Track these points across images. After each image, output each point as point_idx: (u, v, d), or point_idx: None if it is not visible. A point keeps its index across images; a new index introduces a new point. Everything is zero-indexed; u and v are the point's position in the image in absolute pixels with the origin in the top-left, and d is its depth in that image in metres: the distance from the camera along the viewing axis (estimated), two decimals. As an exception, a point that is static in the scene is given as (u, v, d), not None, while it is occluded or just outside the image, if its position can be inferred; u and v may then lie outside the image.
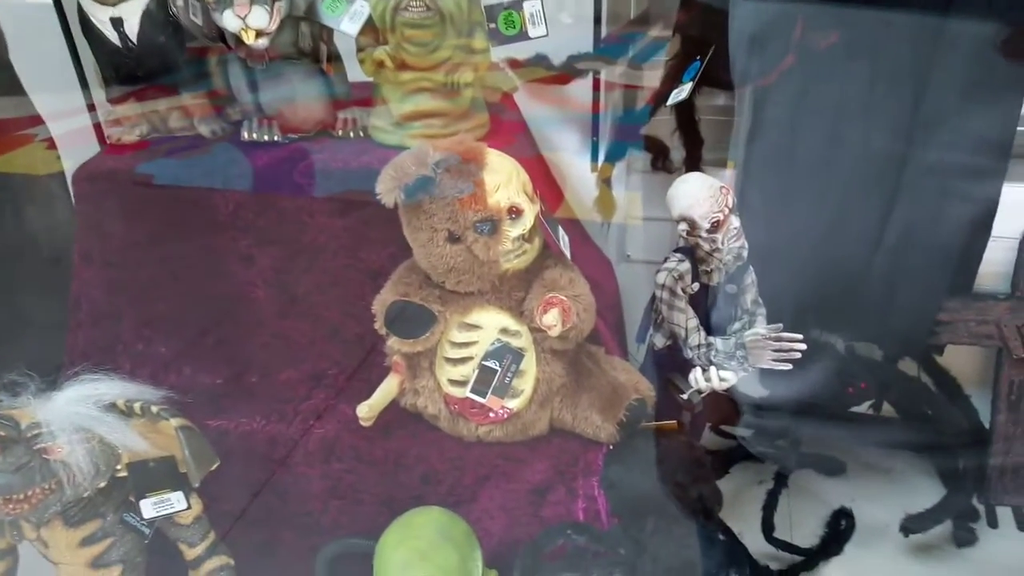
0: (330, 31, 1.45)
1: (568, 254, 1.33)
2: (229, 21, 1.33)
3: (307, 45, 1.44)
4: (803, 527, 1.59)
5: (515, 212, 1.18)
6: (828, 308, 1.52)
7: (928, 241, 1.46)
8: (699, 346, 1.33)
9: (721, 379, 1.31)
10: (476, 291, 1.23)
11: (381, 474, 1.32)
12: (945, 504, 1.59)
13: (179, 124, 1.52)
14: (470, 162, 1.17)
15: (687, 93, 1.38)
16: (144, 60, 1.43)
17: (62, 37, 1.55)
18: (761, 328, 1.30)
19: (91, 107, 1.60)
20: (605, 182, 1.71)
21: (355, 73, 1.48)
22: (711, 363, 1.32)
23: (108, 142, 1.54)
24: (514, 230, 1.18)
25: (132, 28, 1.39)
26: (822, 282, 1.48)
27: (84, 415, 1.08)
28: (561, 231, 1.37)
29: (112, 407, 1.12)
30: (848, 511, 1.55)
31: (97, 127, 1.60)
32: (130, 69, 1.44)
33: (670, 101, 1.43)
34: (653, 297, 1.37)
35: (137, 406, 1.14)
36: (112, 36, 1.39)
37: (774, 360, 1.27)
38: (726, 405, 1.53)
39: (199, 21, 1.40)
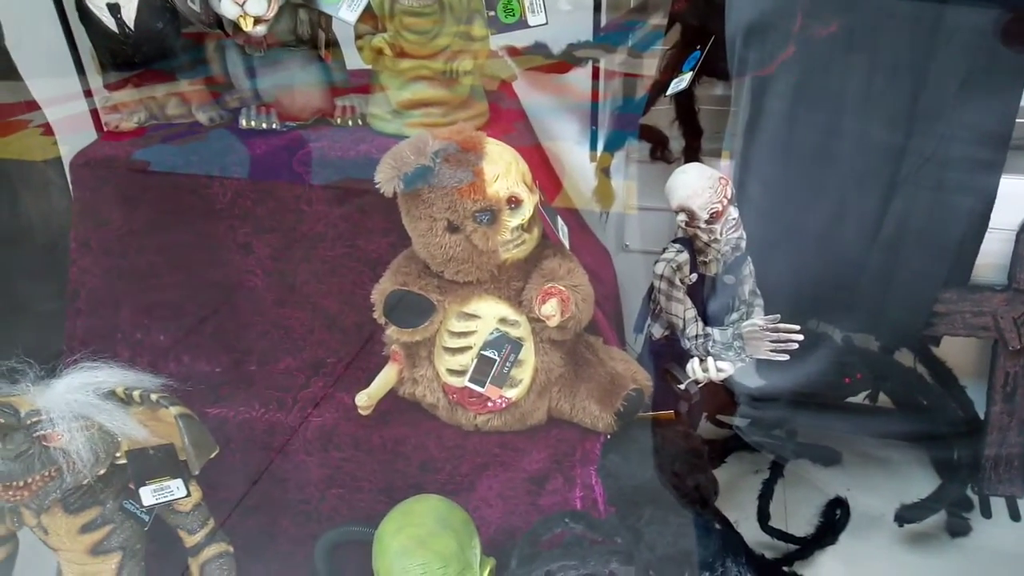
0: (329, 18, 1.44)
1: (567, 244, 1.33)
2: (227, 8, 1.33)
3: (305, 32, 1.43)
4: (799, 516, 1.60)
5: (514, 202, 1.18)
6: (825, 299, 1.53)
7: (926, 232, 1.47)
8: (697, 336, 1.34)
9: (718, 369, 1.31)
10: (475, 281, 1.23)
11: (380, 462, 1.32)
12: (940, 494, 1.60)
13: (177, 111, 1.52)
14: (469, 151, 1.17)
15: (687, 83, 1.38)
16: (141, 47, 1.42)
17: (59, 23, 1.54)
18: (758, 319, 1.30)
19: (88, 93, 1.59)
20: (604, 172, 1.71)
21: (353, 61, 1.48)
22: (708, 353, 1.33)
23: (105, 129, 1.53)
24: (513, 220, 1.18)
25: (130, 14, 1.38)
26: (820, 273, 1.49)
27: (83, 403, 1.09)
28: (560, 221, 1.37)
29: (111, 395, 1.12)
30: (843, 501, 1.56)
31: (94, 113, 1.59)
32: (127, 56, 1.43)
33: (670, 91, 1.42)
34: (651, 287, 1.37)
35: (136, 394, 1.14)
36: (109, 22, 1.38)
37: (771, 351, 1.27)
38: (723, 395, 1.53)
39: (197, 8, 1.40)
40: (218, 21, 1.41)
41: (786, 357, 1.27)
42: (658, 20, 1.55)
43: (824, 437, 1.74)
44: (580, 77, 1.64)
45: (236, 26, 1.38)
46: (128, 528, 1.18)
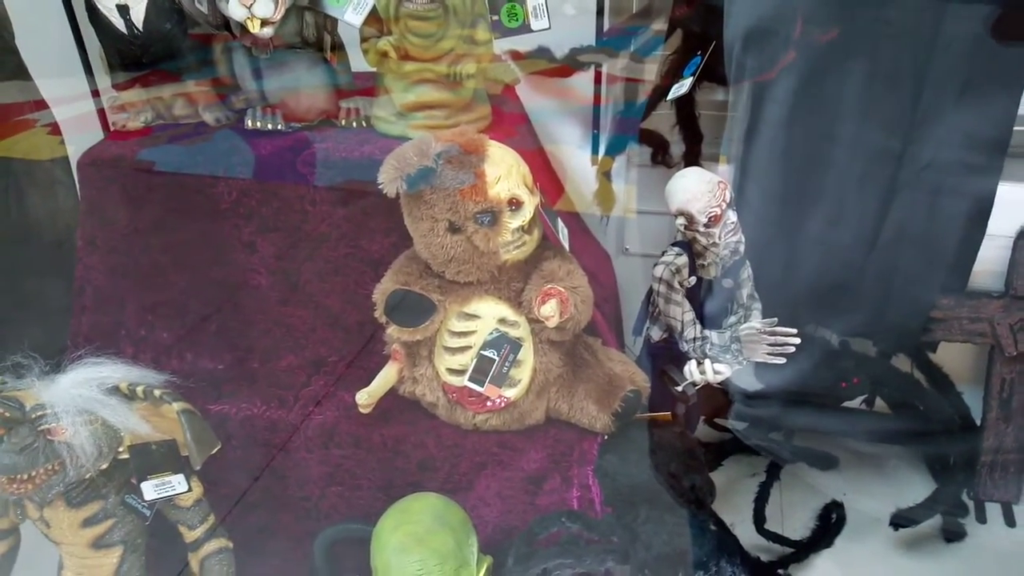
0: (334, 21, 1.45)
1: (567, 246, 1.35)
2: (235, 10, 1.34)
3: (311, 35, 1.44)
4: (795, 519, 1.61)
5: (515, 204, 1.19)
6: (823, 303, 1.54)
7: (923, 238, 1.48)
8: (695, 339, 1.35)
9: (716, 372, 1.33)
10: (475, 281, 1.25)
11: (379, 460, 1.33)
12: (935, 498, 1.61)
13: (183, 112, 1.53)
14: (471, 153, 1.18)
15: (687, 88, 1.39)
16: (149, 47, 1.44)
17: (67, 23, 1.56)
18: (756, 322, 1.31)
19: (95, 93, 1.61)
20: (605, 175, 1.72)
21: (358, 63, 1.49)
22: (706, 356, 1.34)
23: (112, 128, 1.55)
24: (514, 221, 1.20)
25: (138, 15, 1.40)
26: (818, 277, 1.50)
27: (87, 397, 1.10)
28: (560, 223, 1.39)
29: (115, 390, 1.14)
30: (839, 504, 1.57)
31: (101, 113, 1.61)
32: (135, 56, 1.45)
33: (670, 96, 1.44)
34: (650, 290, 1.38)
35: (140, 389, 1.15)
36: (118, 23, 1.40)
37: (768, 354, 1.29)
38: (721, 398, 1.54)
39: (204, 9, 1.41)
40: (225, 23, 1.43)
41: (783, 360, 1.28)
42: (660, 25, 1.57)
43: (821, 441, 1.74)
44: (582, 81, 1.65)
45: (243, 28, 1.39)
46: (129, 522, 1.19)
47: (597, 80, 1.64)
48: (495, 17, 1.41)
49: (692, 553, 1.17)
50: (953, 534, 1.61)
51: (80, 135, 1.61)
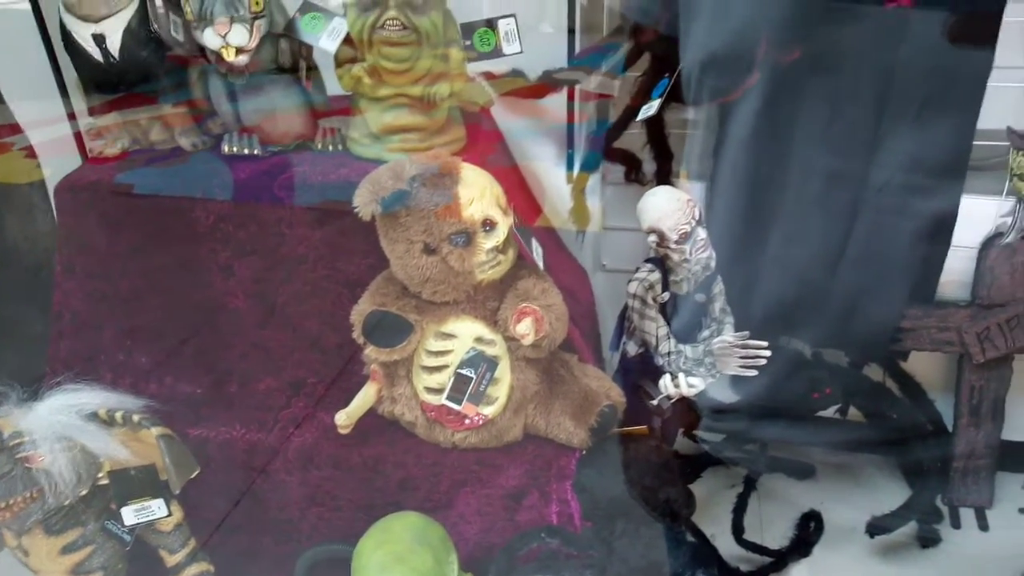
0: (309, 47, 1.47)
1: (541, 265, 1.37)
2: (210, 39, 1.36)
3: (287, 61, 1.46)
4: (773, 529, 1.62)
5: (489, 224, 1.22)
6: (795, 316, 1.56)
7: (889, 252, 1.51)
8: (669, 353, 1.37)
9: (689, 385, 1.35)
10: (452, 301, 1.27)
11: (359, 481, 1.34)
12: (910, 505, 1.63)
13: (160, 137, 1.54)
14: (445, 176, 1.20)
15: (655, 110, 1.42)
16: (126, 75, 1.45)
17: (43, 46, 1.57)
18: (728, 336, 1.34)
19: (72, 116, 1.61)
20: (580, 192, 1.75)
21: (335, 86, 1.51)
22: (680, 369, 1.36)
23: (90, 155, 1.56)
24: (488, 242, 1.22)
25: (114, 44, 1.41)
26: (789, 291, 1.52)
27: (66, 424, 1.11)
28: (535, 242, 1.41)
29: (94, 416, 1.14)
30: (817, 513, 1.58)
31: (78, 136, 1.61)
32: (112, 84, 1.46)
33: (639, 117, 1.47)
34: (625, 306, 1.40)
35: (118, 415, 1.16)
36: (94, 52, 1.41)
37: (740, 366, 1.31)
38: (700, 410, 1.56)
39: (181, 38, 1.42)
40: (201, 50, 1.44)
41: (755, 373, 1.30)
42: (629, 46, 1.60)
43: (797, 451, 1.77)
44: (557, 100, 1.68)
45: (218, 55, 1.40)
46: (109, 549, 1.19)
47: (570, 97, 1.67)
48: (468, 42, 1.43)
49: (669, 565, 1.18)
50: (928, 540, 1.63)
51: (57, 158, 1.61)
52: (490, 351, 1.28)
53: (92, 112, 1.54)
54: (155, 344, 1.50)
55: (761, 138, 1.42)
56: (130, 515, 1.17)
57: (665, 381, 1.37)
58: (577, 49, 1.63)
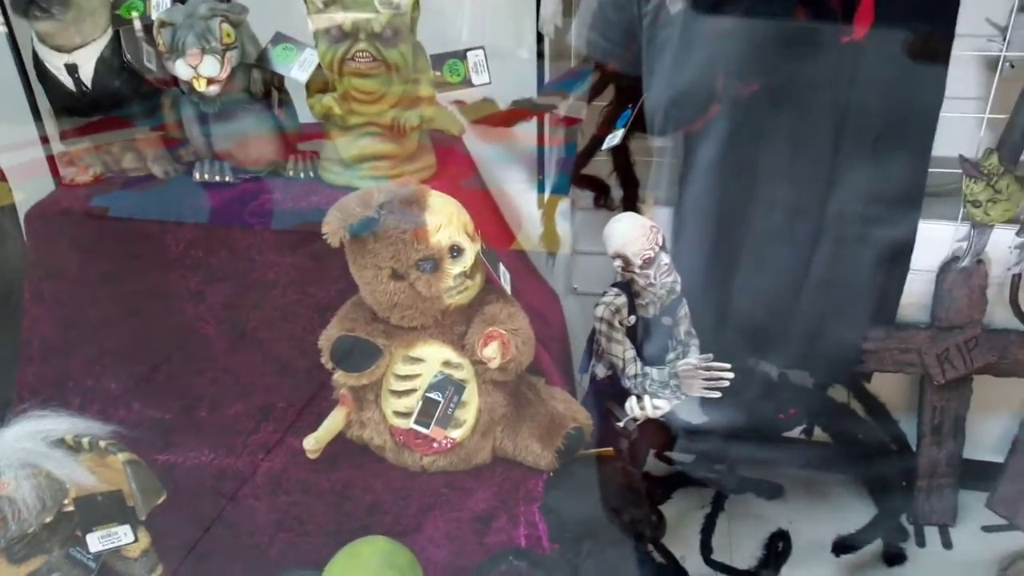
0: (281, 77, 1.49)
1: (509, 290, 1.39)
2: (181, 70, 1.38)
3: (259, 90, 1.48)
4: (742, 549, 1.65)
5: (456, 250, 1.24)
6: (759, 338, 1.60)
7: (851, 276, 1.55)
8: (636, 375, 1.39)
9: (655, 407, 1.37)
10: (419, 326, 1.28)
11: (328, 505, 1.34)
12: (875, 524, 1.66)
13: (132, 164, 1.54)
14: (413, 203, 1.23)
15: (619, 139, 1.46)
16: (99, 105, 1.46)
17: (15, 69, 1.58)
18: (693, 358, 1.36)
19: (45, 140, 1.62)
20: (551, 216, 1.78)
21: (306, 113, 1.53)
22: (647, 391, 1.38)
23: (62, 182, 1.56)
24: (455, 267, 1.24)
25: (87, 74, 1.42)
26: (751, 315, 1.56)
27: (31, 451, 1.10)
28: (502, 267, 1.43)
29: (60, 442, 1.14)
30: (785, 533, 1.61)
31: (50, 159, 1.61)
32: (84, 113, 1.47)
33: (604, 146, 1.51)
34: (593, 329, 1.43)
35: (85, 441, 1.16)
36: (67, 81, 1.42)
37: (705, 388, 1.33)
38: (670, 432, 1.59)
39: (153, 67, 1.44)
40: (174, 80, 1.46)
41: (719, 395, 1.33)
42: (597, 77, 1.64)
43: (764, 471, 1.79)
44: (526, 125, 1.71)
45: (190, 85, 1.42)
46: (74, 576, 1.18)
47: (540, 121, 1.70)
48: (437, 73, 1.46)
49: (634, 586, 1.20)
50: (894, 558, 1.66)
51: (28, 182, 1.61)
52: (457, 375, 1.30)
53: (64, 137, 1.54)
54: (124, 370, 1.50)
55: (724, 167, 1.46)
56: (95, 542, 1.17)
57: (631, 403, 1.39)
58: (547, 77, 1.67)
